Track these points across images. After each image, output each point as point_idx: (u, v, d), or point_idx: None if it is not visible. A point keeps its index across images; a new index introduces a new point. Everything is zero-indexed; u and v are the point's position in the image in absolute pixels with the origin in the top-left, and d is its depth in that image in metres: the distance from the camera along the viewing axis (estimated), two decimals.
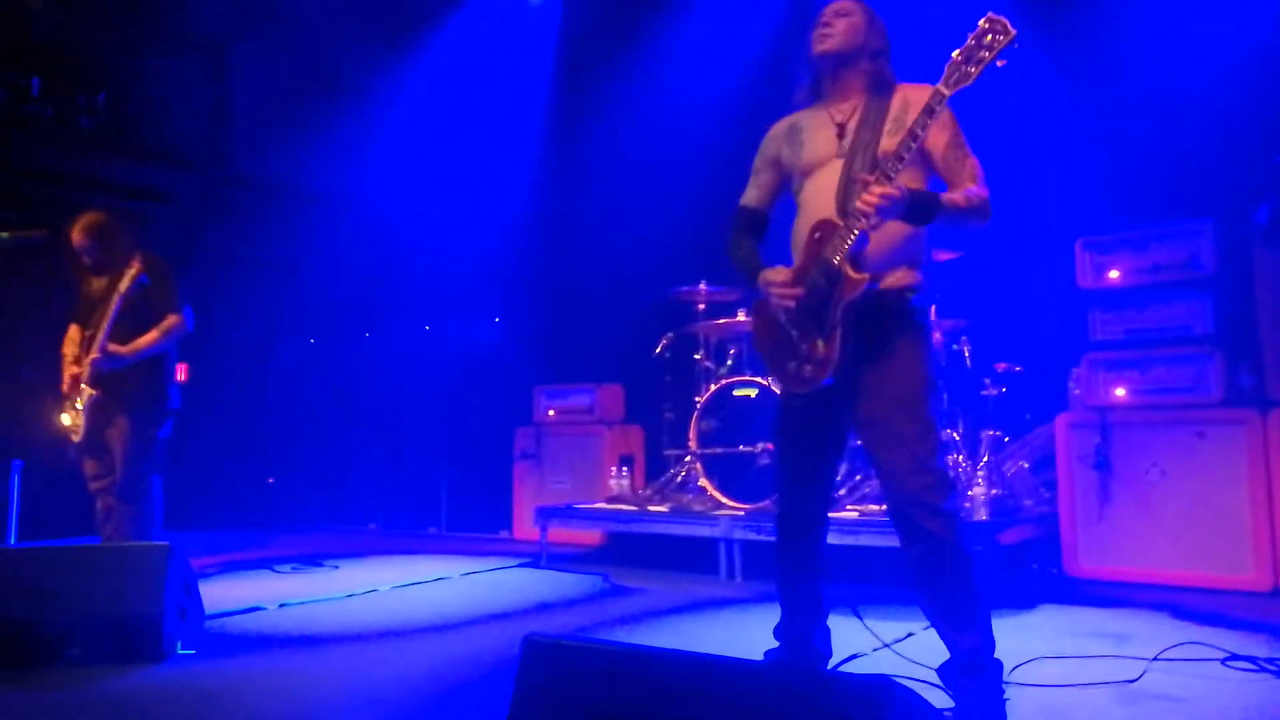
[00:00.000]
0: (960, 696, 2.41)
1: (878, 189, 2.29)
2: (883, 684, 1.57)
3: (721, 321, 5.34)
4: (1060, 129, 5.21)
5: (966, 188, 2.45)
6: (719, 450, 4.99)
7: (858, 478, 4.87)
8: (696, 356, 5.51)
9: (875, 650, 3.17)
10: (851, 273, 2.39)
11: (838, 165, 2.52)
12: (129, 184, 7.40)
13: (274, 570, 5.25)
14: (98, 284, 4.21)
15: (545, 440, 6.49)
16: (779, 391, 2.68)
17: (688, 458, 5.27)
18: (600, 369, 6.52)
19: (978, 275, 4.97)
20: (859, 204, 2.32)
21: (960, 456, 4.71)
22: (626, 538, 5.53)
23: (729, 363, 5.39)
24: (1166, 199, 4.76)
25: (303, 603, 4.27)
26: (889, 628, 3.49)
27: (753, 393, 4.95)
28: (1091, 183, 5.09)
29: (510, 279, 7.26)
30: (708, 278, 5.47)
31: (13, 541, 5.23)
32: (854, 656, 3.07)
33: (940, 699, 2.52)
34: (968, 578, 2.42)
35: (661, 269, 6.05)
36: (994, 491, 4.35)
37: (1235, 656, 2.95)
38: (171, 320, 4.17)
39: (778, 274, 2.53)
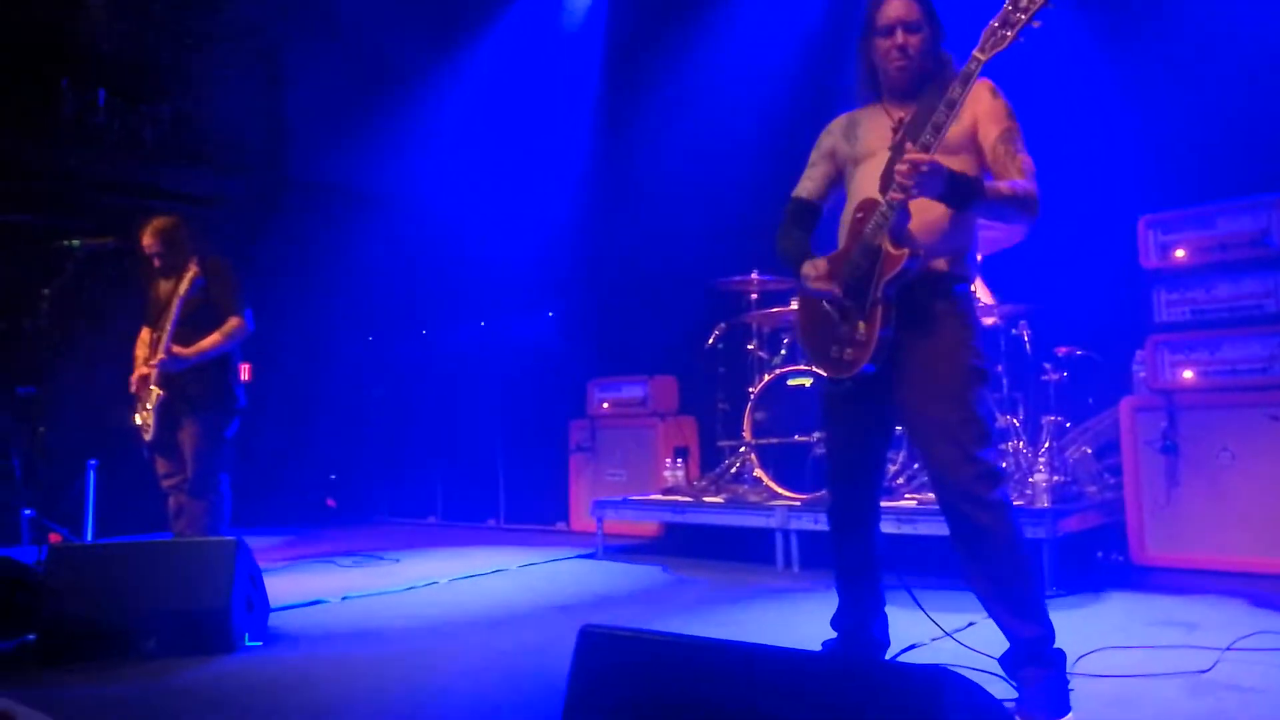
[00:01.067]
0: (1023, 687, 2.38)
1: (911, 154, 2.27)
2: (940, 674, 1.55)
3: (774, 311, 5.30)
4: (1120, 103, 5.06)
5: (1013, 180, 2.40)
6: (773, 440, 4.96)
7: (915, 465, 4.81)
8: (749, 347, 5.49)
9: (934, 640, 3.13)
10: (890, 248, 2.37)
11: (887, 155, 2.50)
12: (190, 191, 7.61)
13: (336, 564, 5.36)
14: (165, 287, 4.33)
15: (599, 433, 6.51)
16: (825, 379, 2.63)
17: (742, 448, 5.25)
18: (653, 361, 6.53)
19: (1037, 257, 4.87)
20: (896, 172, 2.29)
21: (1021, 443, 4.62)
22: (682, 529, 5.53)
23: (782, 352, 5.36)
24: (1234, 173, 4.60)
25: (364, 595, 4.35)
26: (949, 617, 3.44)
27: (807, 382, 4.91)
28: (1154, 159, 4.95)
29: (562, 273, 7.30)
30: (759, 267, 5.43)
31: (89, 538, 5.42)
32: (913, 646, 3.04)
33: (1002, 689, 2.48)
34: (1021, 568, 2.39)
35: (713, 259, 6.02)
36: (1056, 478, 4.26)
37: None
38: (233, 322, 4.28)
39: (816, 266, 2.54)
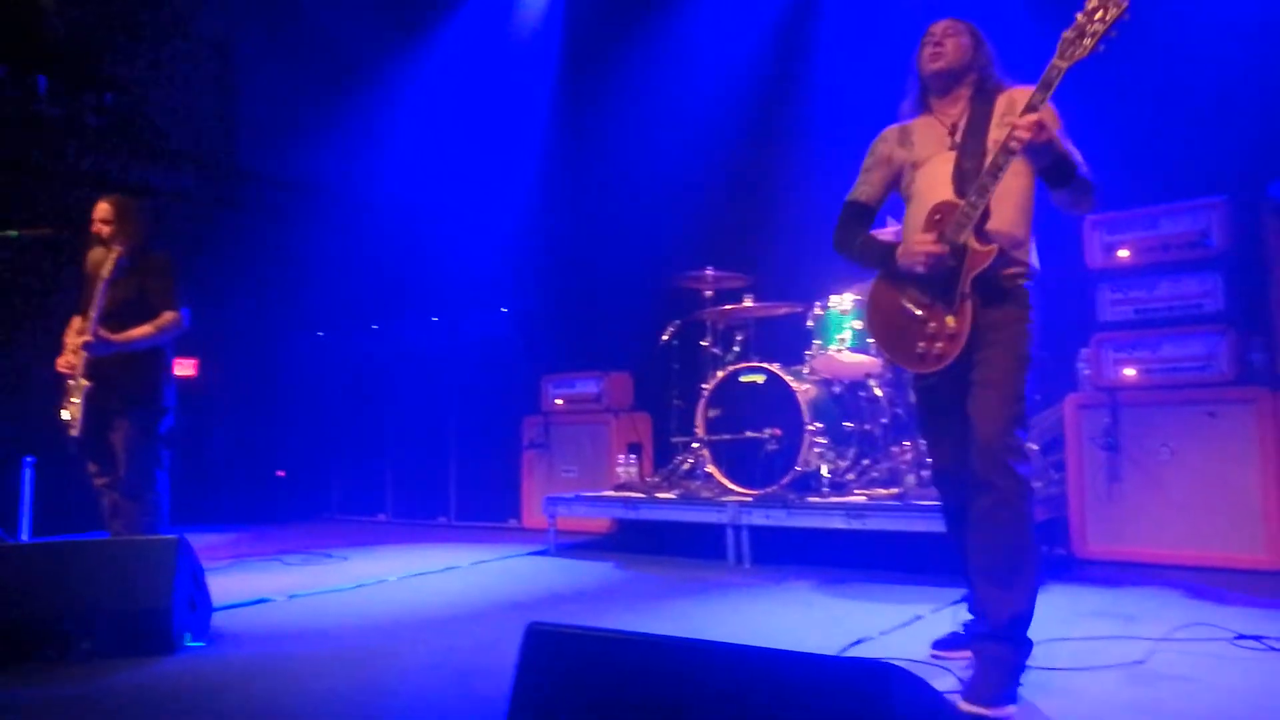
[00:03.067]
0: (980, 665, 2.47)
1: (1029, 117, 2.39)
2: (886, 670, 1.56)
3: (728, 308, 5.32)
4: (1065, 105, 5.15)
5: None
6: (726, 437, 4.98)
7: (865, 462, 4.86)
8: (704, 343, 5.50)
9: (883, 634, 3.16)
10: (978, 245, 2.53)
11: (949, 157, 2.68)
12: (137, 182, 7.43)
13: (283, 562, 5.28)
14: (95, 260, 4.18)
15: (553, 429, 6.49)
16: (914, 376, 2.76)
17: (695, 444, 5.26)
18: (608, 357, 6.52)
19: None
20: (1016, 127, 2.40)
21: None
22: (635, 525, 5.53)
23: (736, 349, 5.38)
24: (1177, 176, 4.71)
25: (312, 594, 4.29)
26: (897, 611, 3.49)
27: (760, 379, 4.93)
28: (1099, 160, 5.03)
29: (517, 269, 7.27)
30: (714, 264, 5.45)
31: (26, 537, 5.27)
32: (860, 641, 3.06)
33: (949, 683, 2.52)
34: (1024, 542, 2.52)
35: (668, 256, 6.04)
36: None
37: (1244, 636, 2.93)
38: (168, 316, 4.14)
39: (922, 238, 2.61)
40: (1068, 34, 2.41)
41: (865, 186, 2.91)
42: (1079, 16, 2.40)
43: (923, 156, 2.76)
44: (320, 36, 8.01)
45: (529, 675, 1.85)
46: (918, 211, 2.71)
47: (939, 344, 2.58)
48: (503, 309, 7.05)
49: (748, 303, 5.25)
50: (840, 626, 3.27)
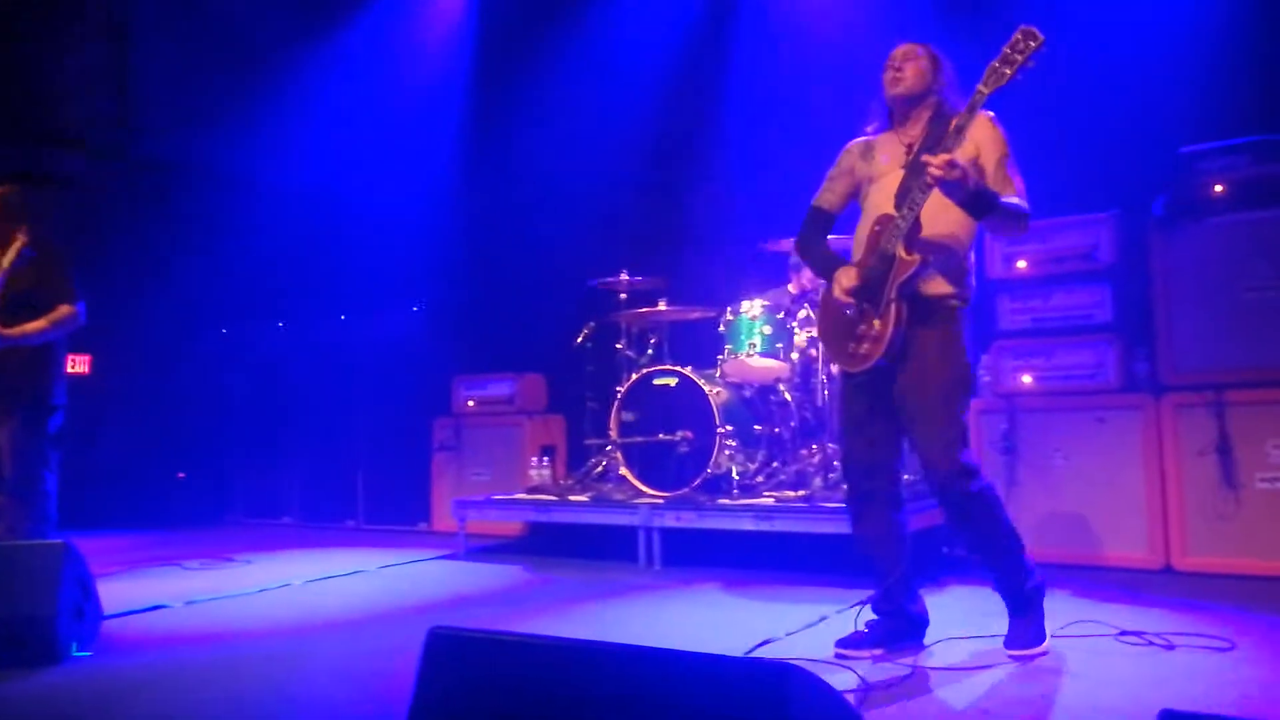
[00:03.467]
0: (1011, 628, 2.90)
1: (940, 156, 2.59)
2: (785, 671, 1.58)
3: (643, 311, 5.34)
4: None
5: (1009, 198, 2.79)
6: (639, 439, 5.00)
7: (774, 465, 4.94)
8: (618, 346, 5.51)
9: (788, 635, 3.22)
10: (904, 254, 2.75)
11: (900, 174, 2.89)
12: (27, 168, 7.07)
13: (182, 567, 5.10)
14: None
15: (465, 431, 6.42)
16: (841, 371, 3.02)
17: (609, 447, 5.27)
18: (521, 359, 6.48)
19: None
20: (929, 166, 2.59)
21: None
22: (547, 528, 5.51)
23: (649, 352, 5.40)
24: (1069, 192, 4.90)
25: (211, 599, 4.16)
26: (803, 612, 3.55)
27: (673, 382, 4.96)
28: None
29: (430, 268, 7.15)
30: (629, 267, 5.47)
31: None
32: (766, 642, 3.11)
33: (849, 680, 2.57)
34: (999, 531, 2.86)
35: (583, 258, 6.03)
36: (907, 477, 4.42)
37: (1127, 632, 3.07)
38: (64, 310, 3.98)
39: (846, 276, 2.88)
40: (994, 62, 2.64)
41: (828, 194, 3.12)
42: (1005, 48, 2.63)
43: (879, 172, 2.97)
44: (223, 21, 7.76)
45: (430, 680, 1.83)
46: (864, 225, 2.95)
47: (865, 345, 2.83)
48: (414, 308, 6.94)
49: (662, 306, 5.28)
50: (747, 628, 3.31)
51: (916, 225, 2.76)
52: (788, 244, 4.97)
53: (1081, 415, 4.43)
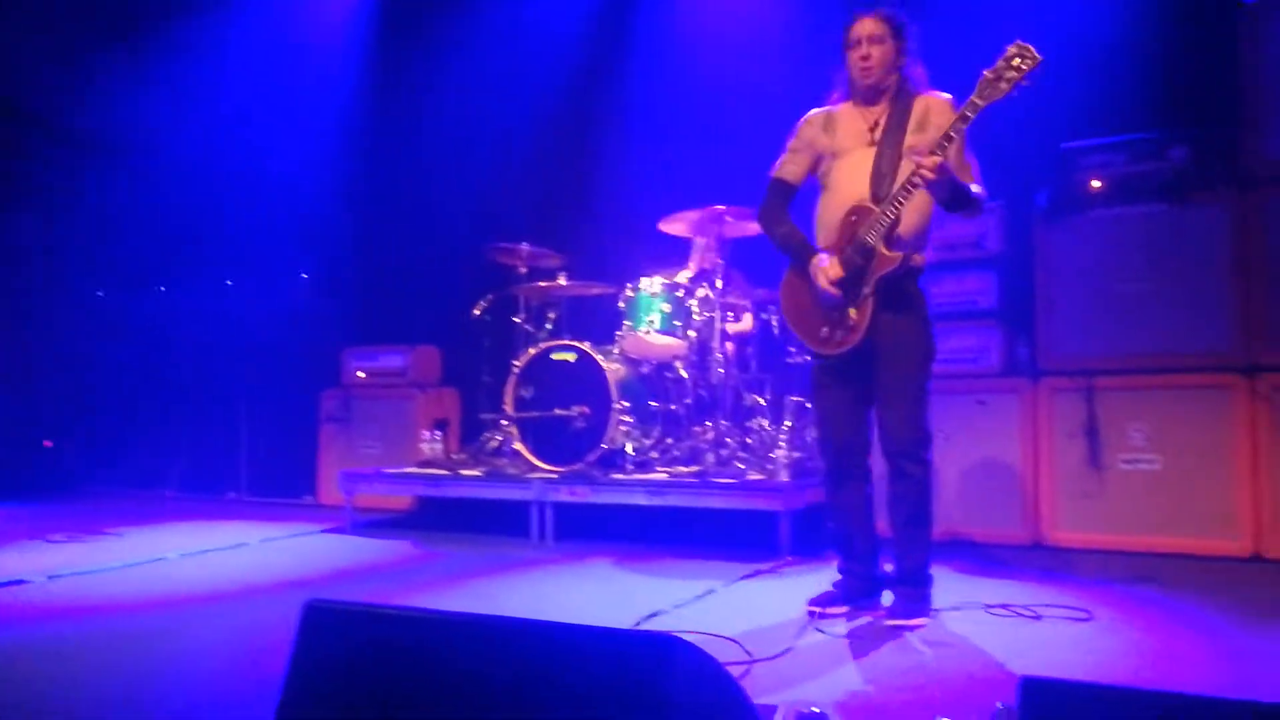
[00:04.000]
0: (899, 599, 3.06)
1: (932, 159, 2.72)
2: (668, 642, 1.59)
3: (542, 285, 5.29)
4: None
5: (969, 184, 2.92)
6: (535, 414, 4.96)
7: (669, 441, 4.97)
8: (516, 319, 5.44)
9: (676, 608, 3.25)
10: (886, 251, 2.88)
11: (868, 154, 2.99)
12: None
13: (47, 540, 4.84)
14: None
15: (354, 403, 6.26)
16: (814, 354, 3.11)
17: (503, 421, 5.21)
18: (415, 330, 6.34)
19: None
20: (919, 165, 2.73)
21: (765, 421, 4.88)
22: (438, 502, 5.43)
23: (548, 326, 5.36)
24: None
25: (77, 573, 3.95)
26: (691, 585, 3.59)
27: (571, 357, 4.94)
28: None
29: (320, 235, 6.91)
30: (530, 239, 5.40)
31: None
32: (654, 615, 3.13)
33: (735, 653, 2.61)
34: (928, 511, 3.06)
35: (482, 228, 5.93)
36: (796, 454, 4.53)
37: (994, 605, 3.20)
38: None
39: (833, 269, 2.94)
40: (988, 74, 2.73)
41: (790, 166, 3.17)
42: (999, 60, 2.72)
43: (843, 149, 3.04)
44: None
45: (306, 655, 1.77)
46: (833, 206, 3.03)
47: (840, 332, 2.96)
48: (303, 275, 6.72)
49: (561, 281, 5.24)
50: (636, 601, 3.33)
51: (896, 222, 2.88)
52: (683, 223, 4.99)
53: (964, 398, 4.59)
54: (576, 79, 6.48)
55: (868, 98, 3.06)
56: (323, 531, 5.18)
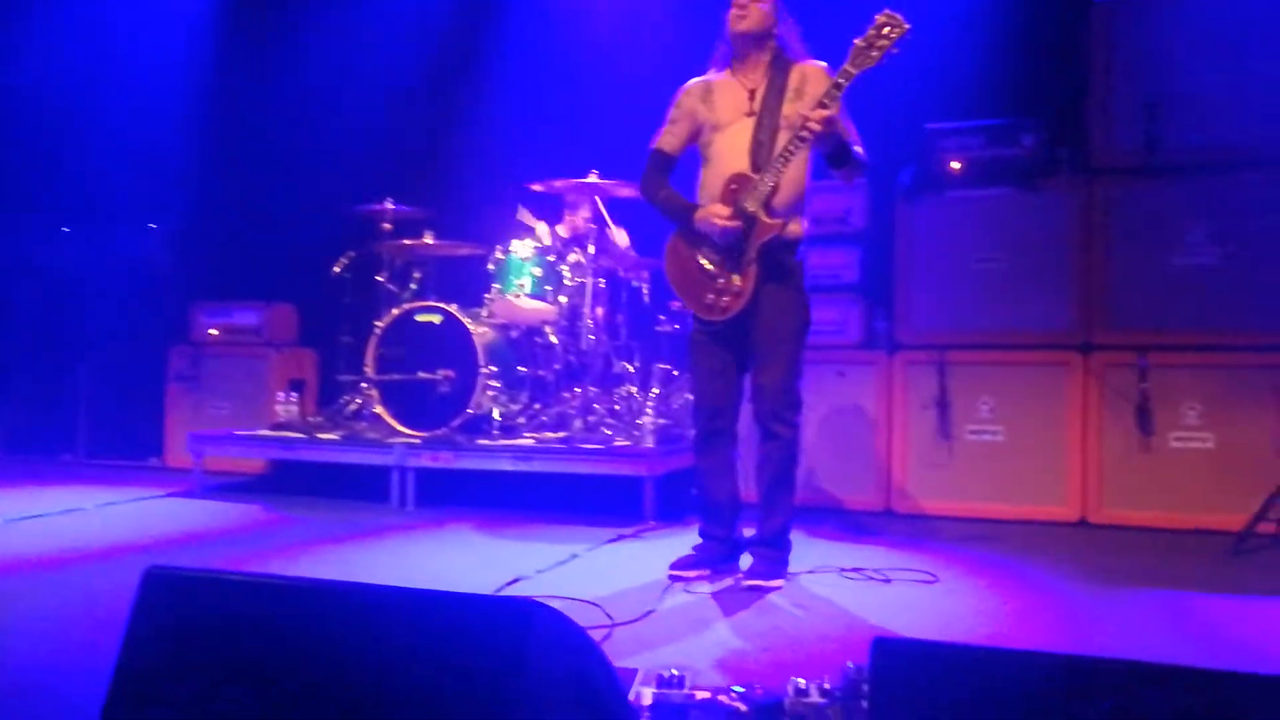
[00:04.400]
0: (758, 561, 3.14)
1: (820, 112, 2.82)
2: (528, 607, 1.56)
3: (407, 243, 5.13)
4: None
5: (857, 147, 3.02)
6: (397, 377, 4.83)
7: (536, 406, 4.93)
8: (379, 278, 5.26)
9: (539, 573, 3.23)
10: (766, 218, 2.95)
11: (747, 124, 3.03)
12: None
13: None
14: None
15: (204, 361, 5.95)
16: (695, 319, 3.14)
17: (364, 384, 5.05)
18: (270, 286, 6.05)
19: (663, 220, 5.13)
20: (808, 119, 2.82)
21: (633, 388, 4.89)
22: (293, 467, 5.22)
23: (413, 286, 5.21)
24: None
25: None
26: (554, 550, 3.58)
27: (436, 319, 4.82)
28: None
29: (170, 183, 6.48)
30: (395, 196, 5.22)
31: None
32: (515, 580, 3.11)
33: (596, 617, 2.61)
34: (793, 476, 3.15)
35: (345, 183, 5.70)
36: (662, 421, 4.57)
37: (848, 569, 3.33)
38: None
39: (722, 209, 2.98)
40: (859, 42, 2.83)
41: (670, 137, 3.20)
42: (870, 29, 2.83)
43: (723, 120, 3.08)
44: None
45: (144, 624, 1.66)
46: (714, 177, 3.07)
47: (725, 298, 3.01)
48: (151, 225, 6.30)
49: (428, 239, 5.09)
50: (498, 566, 3.30)
51: (775, 189, 2.94)
52: (559, 184, 4.92)
53: (826, 368, 4.71)
54: (450, 34, 6.28)
55: (742, 51, 3.08)
56: (168, 495, 4.91)
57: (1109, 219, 4.41)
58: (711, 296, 3.05)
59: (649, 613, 2.75)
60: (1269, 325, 4.06)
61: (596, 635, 2.41)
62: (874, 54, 2.82)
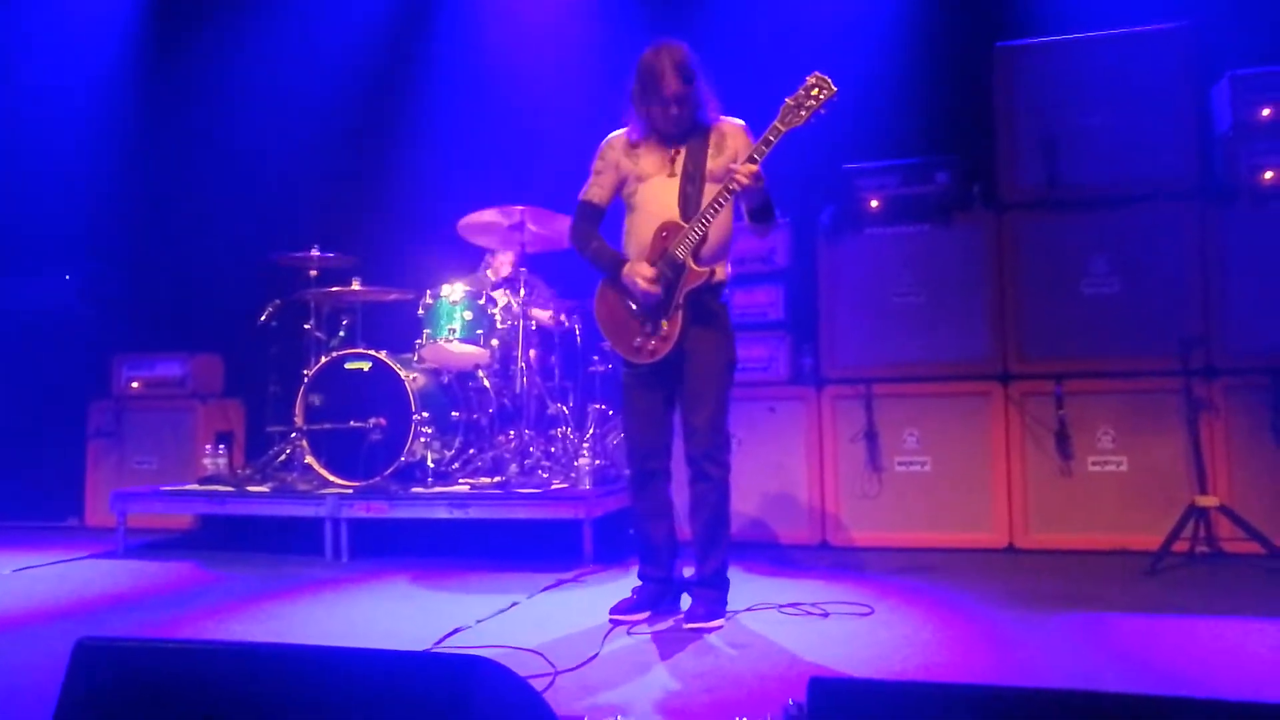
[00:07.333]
0: (696, 601, 3.19)
1: (749, 166, 2.95)
2: (466, 662, 1.57)
3: (334, 290, 5.08)
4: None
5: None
6: (328, 426, 4.76)
7: (471, 451, 4.91)
8: (306, 326, 5.20)
9: (479, 623, 3.21)
10: (694, 266, 3.08)
11: (671, 181, 3.14)
12: None
13: None
14: None
15: (127, 415, 5.80)
16: (625, 362, 3.23)
17: (293, 434, 4.97)
18: (195, 337, 5.94)
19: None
20: (736, 174, 2.95)
21: (568, 429, 4.91)
22: (223, 521, 5.11)
23: (341, 334, 5.16)
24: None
25: None
26: (494, 599, 3.56)
27: (366, 366, 4.78)
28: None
29: (87, 232, 6.33)
30: (320, 243, 5.18)
31: None
32: (455, 631, 3.08)
33: (538, 665, 2.61)
34: (726, 515, 3.23)
35: (270, 230, 5.65)
36: (598, 462, 4.59)
37: (786, 605, 3.37)
38: None
39: (646, 269, 3.09)
40: (789, 101, 2.95)
41: (597, 189, 3.28)
42: (800, 89, 2.95)
43: (647, 173, 3.18)
44: None
45: (77, 697, 1.63)
46: (643, 224, 3.17)
47: (653, 342, 3.12)
48: (65, 276, 6.13)
49: (355, 286, 5.05)
50: (437, 617, 3.27)
51: (704, 239, 3.05)
52: (484, 228, 4.93)
53: (756, 405, 4.80)
54: (377, 78, 6.29)
55: (669, 139, 3.19)
56: (90, 557, 4.76)
57: (1018, 252, 4.60)
58: (639, 340, 3.15)
59: (592, 658, 2.75)
60: (1168, 350, 4.26)
61: (540, 684, 2.41)
62: (802, 113, 2.95)
